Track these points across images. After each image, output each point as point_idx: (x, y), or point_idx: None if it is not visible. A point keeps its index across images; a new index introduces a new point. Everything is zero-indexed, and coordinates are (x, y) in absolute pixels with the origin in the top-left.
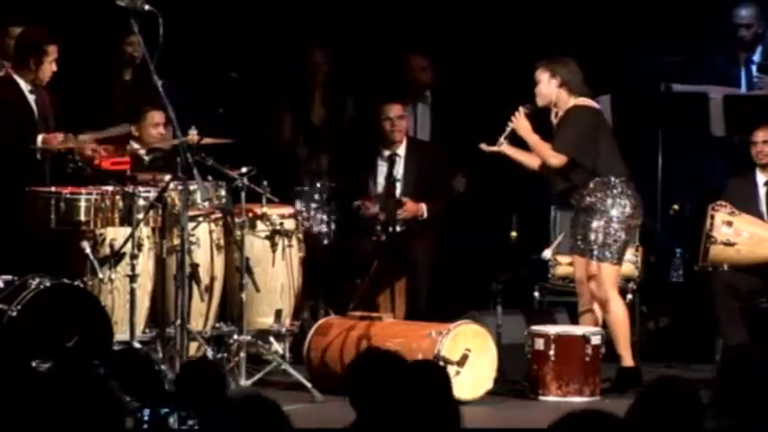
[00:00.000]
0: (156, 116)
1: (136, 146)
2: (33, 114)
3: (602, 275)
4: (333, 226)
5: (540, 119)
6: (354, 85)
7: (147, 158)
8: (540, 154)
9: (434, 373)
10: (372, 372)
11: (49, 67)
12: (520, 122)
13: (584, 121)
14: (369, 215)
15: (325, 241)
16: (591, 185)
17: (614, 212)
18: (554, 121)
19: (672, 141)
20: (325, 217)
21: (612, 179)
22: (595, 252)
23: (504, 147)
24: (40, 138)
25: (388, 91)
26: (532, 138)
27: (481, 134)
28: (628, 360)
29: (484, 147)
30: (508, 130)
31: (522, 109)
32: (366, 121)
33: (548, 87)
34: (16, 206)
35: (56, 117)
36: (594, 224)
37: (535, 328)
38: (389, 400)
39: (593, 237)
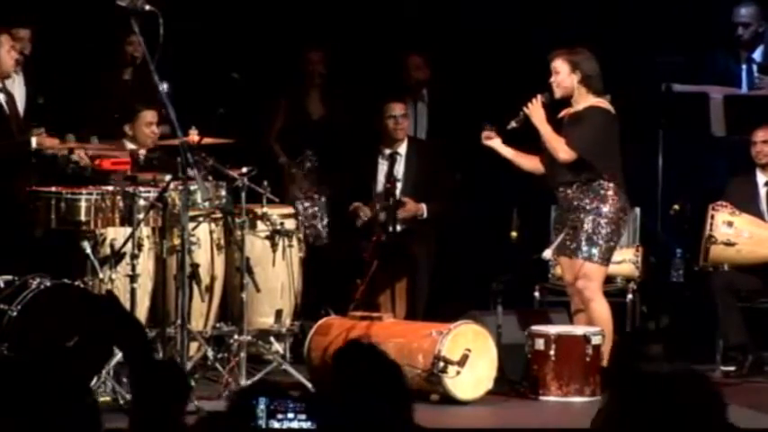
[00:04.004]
0: (149, 115)
1: (131, 145)
2: (6, 114)
3: (589, 274)
4: (325, 224)
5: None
6: (352, 84)
7: (142, 157)
8: (551, 146)
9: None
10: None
11: (7, 57)
12: (535, 111)
13: (602, 125)
14: (361, 223)
15: (323, 240)
16: (585, 186)
17: (603, 214)
18: (567, 112)
19: (672, 141)
20: (319, 217)
21: (606, 182)
22: (583, 251)
23: (499, 146)
24: (34, 140)
25: (387, 90)
26: (545, 128)
27: (479, 133)
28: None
29: (484, 135)
30: (521, 115)
31: (539, 97)
32: (364, 120)
33: (567, 80)
34: (16, 206)
35: (25, 115)
36: (584, 224)
37: (535, 328)
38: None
39: (582, 236)
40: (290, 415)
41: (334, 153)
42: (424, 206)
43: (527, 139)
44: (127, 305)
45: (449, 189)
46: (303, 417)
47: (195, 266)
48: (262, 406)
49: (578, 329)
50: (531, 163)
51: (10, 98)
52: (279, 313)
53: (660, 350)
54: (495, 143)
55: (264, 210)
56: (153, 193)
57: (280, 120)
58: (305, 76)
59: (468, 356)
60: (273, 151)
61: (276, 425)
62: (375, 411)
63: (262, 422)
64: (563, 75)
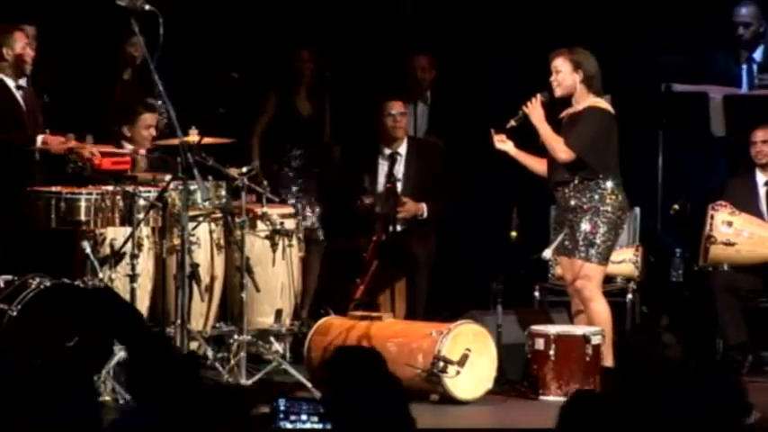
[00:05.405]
0: (149, 118)
1: (129, 146)
2: (23, 112)
3: (587, 274)
4: (318, 221)
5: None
6: (346, 84)
7: (140, 159)
8: (550, 145)
9: None
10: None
11: (24, 53)
12: (534, 110)
13: (602, 125)
14: (366, 207)
15: (320, 236)
16: (583, 185)
17: (601, 213)
18: (567, 112)
19: (672, 141)
20: (312, 212)
21: (605, 182)
22: (582, 251)
23: (511, 148)
24: (39, 138)
25: (389, 89)
26: (544, 127)
27: (479, 134)
28: (608, 361)
29: (496, 138)
30: (520, 114)
31: (539, 96)
32: (362, 119)
33: (569, 79)
34: (16, 206)
35: (43, 114)
36: (582, 224)
37: (535, 328)
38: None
39: (580, 237)
40: (303, 417)
41: (321, 152)
42: (424, 206)
43: (525, 138)
44: None
45: (449, 188)
46: (315, 419)
47: (195, 266)
48: (281, 407)
49: (578, 329)
50: (542, 166)
51: (27, 95)
52: (278, 313)
53: (674, 338)
54: (508, 147)
55: (264, 209)
56: (153, 193)
57: (266, 117)
58: (295, 74)
59: (468, 356)
60: (250, 150)
61: (288, 425)
62: (379, 412)
63: (279, 423)
64: (564, 74)
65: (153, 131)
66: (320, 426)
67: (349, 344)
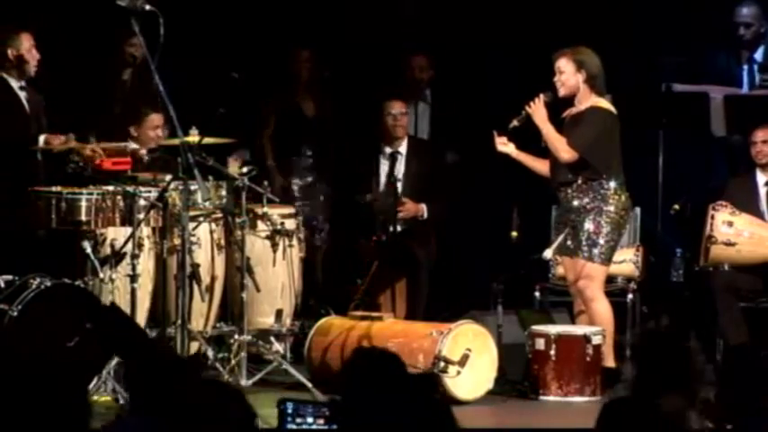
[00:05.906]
0: (156, 119)
1: (134, 146)
2: (26, 112)
3: (590, 274)
4: (326, 225)
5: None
6: (348, 84)
7: (146, 158)
8: (553, 145)
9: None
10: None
11: (29, 56)
12: (537, 110)
13: (604, 125)
14: (366, 200)
15: (322, 235)
16: (586, 185)
17: (604, 213)
18: (570, 112)
19: (672, 141)
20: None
21: (608, 182)
22: (585, 251)
23: (512, 150)
24: (42, 138)
25: (389, 89)
26: (547, 127)
27: (481, 133)
28: (609, 361)
29: (498, 141)
30: (523, 114)
31: (541, 96)
32: (363, 119)
33: (572, 79)
34: (16, 206)
35: (46, 115)
36: (586, 224)
37: (535, 327)
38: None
39: (583, 237)
40: (309, 419)
41: (329, 152)
42: (424, 206)
43: (527, 139)
44: (127, 305)
45: (449, 188)
46: (321, 421)
47: (195, 266)
48: (289, 410)
49: (579, 329)
50: (544, 167)
51: (32, 97)
52: (279, 313)
53: (698, 345)
54: (510, 149)
55: (265, 209)
56: (153, 193)
57: (272, 121)
58: (293, 74)
59: (469, 356)
60: (263, 152)
61: (294, 426)
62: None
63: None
64: (568, 74)
65: (160, 132)
66: (324, 427)
67: (349, 344)
